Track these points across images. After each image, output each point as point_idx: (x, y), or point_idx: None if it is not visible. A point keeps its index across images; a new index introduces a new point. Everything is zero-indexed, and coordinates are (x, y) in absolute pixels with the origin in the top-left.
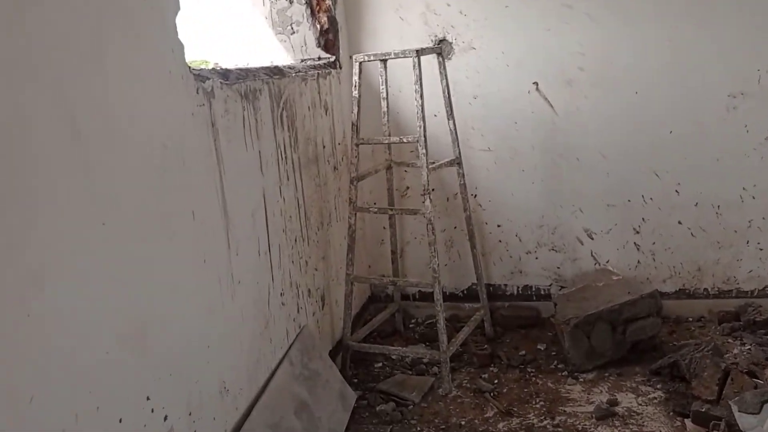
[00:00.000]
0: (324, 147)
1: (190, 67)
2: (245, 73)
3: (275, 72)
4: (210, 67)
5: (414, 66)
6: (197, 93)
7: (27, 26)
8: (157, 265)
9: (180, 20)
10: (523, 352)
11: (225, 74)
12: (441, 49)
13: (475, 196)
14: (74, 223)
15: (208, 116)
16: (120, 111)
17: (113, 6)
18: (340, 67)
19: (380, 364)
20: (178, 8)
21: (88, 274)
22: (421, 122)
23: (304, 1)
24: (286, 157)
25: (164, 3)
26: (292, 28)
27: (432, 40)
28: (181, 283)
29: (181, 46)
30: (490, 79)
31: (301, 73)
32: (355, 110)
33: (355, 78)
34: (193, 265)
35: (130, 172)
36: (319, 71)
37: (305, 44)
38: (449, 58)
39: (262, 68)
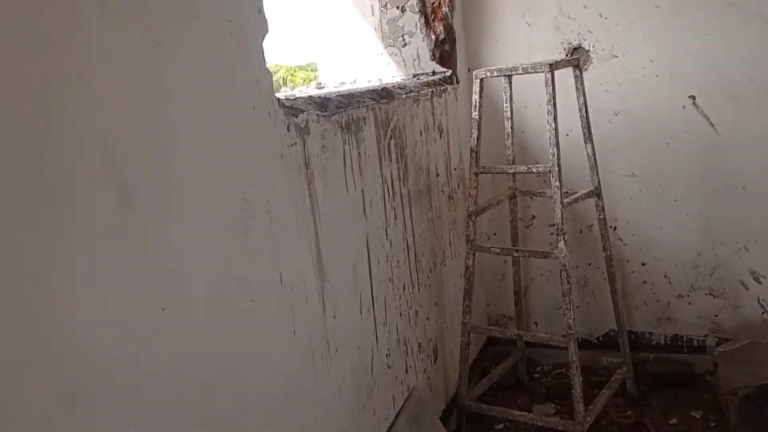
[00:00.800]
0: (437, 175)
1: (279, 99)
2: (347, 100)
3: (383, 95)
4: (311, 83)
5: (546, 83)
6: (288, 131)
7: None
8: (234, 351)
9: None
10: (675, 421)
11: (323, 103)
12: (578, 60)
13: (615, 228)
14: (121, 314)
15: (301, 157)
16: (186, 165)
17: (177, 28)
18: (457, 82)
19: (501, 426)
20: (265, 30)
21: (143, 378)
22: (555, 149)
23: (417, 9)
24: (393, 193)
25: (248, 25)
26: (403, 40)
27: (565, 48)
28: (265, 365)
29: (268, 75)
30: (636, 93)
31: (413, 94)
32: (475, 134)
33: (476, 97)
34: (280, 340)
35: (197, 240)
36: (434, 89)
37: (418, 57)
38: (585, 69)
39: (368, 91)
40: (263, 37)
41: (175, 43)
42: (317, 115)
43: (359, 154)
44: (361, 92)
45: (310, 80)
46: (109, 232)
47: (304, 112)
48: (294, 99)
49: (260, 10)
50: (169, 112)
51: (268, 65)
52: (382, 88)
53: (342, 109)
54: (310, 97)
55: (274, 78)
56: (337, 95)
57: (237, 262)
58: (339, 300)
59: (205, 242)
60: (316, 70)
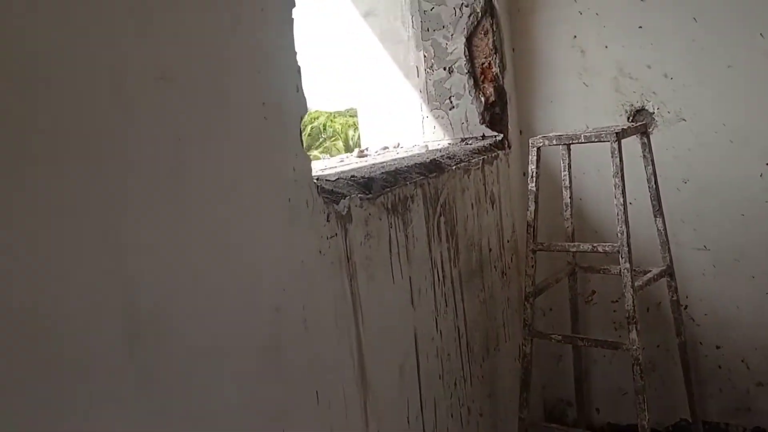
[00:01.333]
0: (490, 250)
1: (318, 185)
2: (393, 177)
3: (431, 167)
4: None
5: (612, 153)
6: (328, 221)
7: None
8: None
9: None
10: None
11: (367, 184)
12: (645, 126)
13: (686, 307)
14: None
15: (342, 249)
16: (206, 284)
17: (201, 119)
18: (509, 147)
19: None
20: (304, 110)
21: None
22: (623, 227)
23: (465, 71)
24: (443, 277)
25: (284, 105)
26: (450, 102)
27: (626, 111)
28: None
29: (305, 160)
30: (706, 159)
31: (463, 164)
32: (532, 207)
33: (532, 167)
34: None
35: (221, 375)
36: (485, 156)
37: (466, 120)
38: (651, 133)
39: (415, 165)
40: (301, 118)
41: (198, 136)
42: (360, 198)
43: (406, 236)
44: (407, 166)
45: (349, 126)
46: (117, 373)
47: (345, 197)
48: (335, 180)
49: (298, 88)
50: (188, 221)
51: (309, 111)
52: (431, 161)
53: (388, 188)
54: (352, 177)
55: (314, 124)
56: (382, 172)
57: (267, 390)
58: (384, 412)
59: (231, 375)
60: (356, 116)
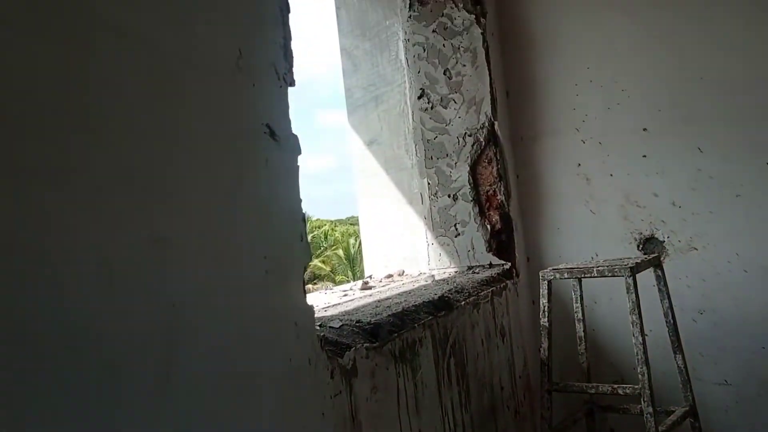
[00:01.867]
0: (502, 388)
1: (321, 337)
2: (400, 320)
3: (440, 305)
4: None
5: (628, 289)
6: (332, 377)
7: None
8: None
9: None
10: None
11: (373, 331)
12: (659, 259)
13: None
14: None
15: (347, 408)
16: None
17: (195, 285)
18: (517, 275)
19: None
20: (307, 258)
21: None
22: (644, 368)
23: (470, 198)
24: (455, 425)
25: (287, 257)
26: (456, 229)
27: (635, 239)
28: None
29: (308, 313)
30: (722, 289)
31: (472, 298)
32: (545, 344)
33: (544, 301)
34: None
35: None
36: (493, 287)
37: (473, 248)
38: (662, 261)
39: (423, 303)
40: (305, 267)
41: (192, 302)
42: (366, 348)
43: (415, 385)
44: (415, 305)
45: (350, 234)
46: None
47: (351, 347)
48: (339, 327)
49: (302, 237)
50: (177, 399)
51: (311, 220)
52: (440, 297)
53: (395, 332)
54: (358, 322)
55: (315, 233)
56: (389, 315)
57: None
58: None
59: None
60: (356, 224)
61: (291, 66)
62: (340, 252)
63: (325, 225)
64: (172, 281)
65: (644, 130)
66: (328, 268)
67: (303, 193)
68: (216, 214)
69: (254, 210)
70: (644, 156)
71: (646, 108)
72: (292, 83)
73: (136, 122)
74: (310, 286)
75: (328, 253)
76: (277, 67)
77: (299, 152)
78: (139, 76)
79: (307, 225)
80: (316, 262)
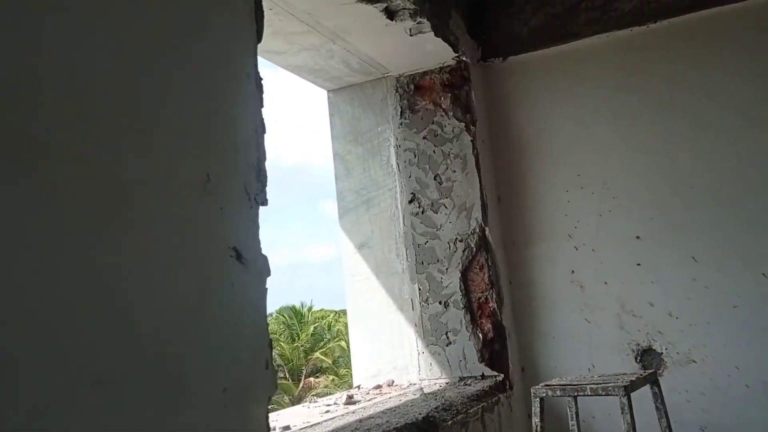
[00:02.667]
0: None
1: None
2: None
3: (424, 428)
4: None
5: (623, 409)
6: None
7: None
8: None
9: None
10: None
11: None
12: (655, 375)
13: None
14: None
15: None
16: None
17: (141, 424)
18: (511, 388)
19: None
20: (273, 389)
21: None
22: None
23: (462, 305)
24: None
25: (250, 388)
26: (447, 338)
27: (633, 350)
28: None
29: None
30: (723, 405)
31: (460, 416)
32: None
33: (536, 420)
34: None
35: None
36: (484, 402)
37: (464, 357)
38: (660, 374)
39: (407, 425)
40: (269, 398)
41: None
42: None
43: None
44: (397, 428)
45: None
46: None
47: None
48: None
49: (267, 365)
50: None
51: (313, 310)
52: (424, 418)
53: None
54: None
55: (319, 324)
56: None
57: None
58: None
59: None
60: None
61: (263, 186)
62: (343, 344)
63: (329, 316)
64: (113, 422)
65: (637, 237)
66: (330, 361)
67: (307, 282)
68: (170, 344)
69: (215, 337)
70: (638, 264)
71: (638, 215)
72: (264, 203)
73: (93, 246)
74: (312, 379)
75: (331, 345)
76: (248, 188)
77: (268, 274)
78: (98, 202)
79: (310, 315)
80: (317, 354)
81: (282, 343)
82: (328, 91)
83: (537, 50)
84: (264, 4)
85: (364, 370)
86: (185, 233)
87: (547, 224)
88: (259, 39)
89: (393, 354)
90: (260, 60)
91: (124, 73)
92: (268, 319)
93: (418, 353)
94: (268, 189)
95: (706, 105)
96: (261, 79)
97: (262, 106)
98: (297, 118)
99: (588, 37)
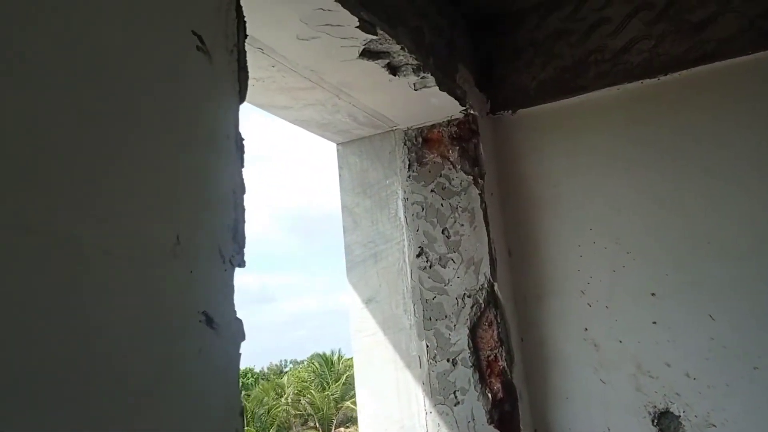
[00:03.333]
0: None
1: None
2: None
3: None
4: None
5: None
6: None
7: None
8: None
9: None
10: None
11: None
12: None
13: None
14: None
15: None
16: None
17: None
18: None
19: None
20: None
21: None
22: None
23: (470, 364)
24: None
25: None
26: (455, 397)
27: (650, 413)
28: None
29: None
30: None
31: None
32: None
33: None
34: None
35: None
36: None
37: (473, 419)
38: None
39: None
40: None
41: None
42: None
43: None
44: None
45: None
46: None
47: None
48: None
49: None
50: None
51: (344, 358)
52: None
53: None
54: None
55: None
56: None
57: None
58: None
59: None
60: None
61: (241, 247)
62: None
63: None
64: None
65: (652, 294)
66: None
67: (334, 331)
68: (126, 415)
69: (177, 406)
70: (654, 322)
71: (652, 271)
72: (241, 264)
73: (45, 314)
74: (342, 429)
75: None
76: (222, 250)
77: (242, 338)
78: (50, 272)
79: (340, 363)
80: (348, 403)
81: (312, 392)
82: (337, 144)
83: (546, 103)
84: (266, 62)
85: (373, 428)
86: (148, 299)
87: (559, 279)
88: (241, 99)
89: (400, 414)
90: (268, 115)
91: (82, 126)
92: (300, 366)
93: (426, 413)
94: (294, 239)
95: (720, 155)
96: (242, 139)
97: (242, 166)
98: (326, 169)
99: (598, 90)
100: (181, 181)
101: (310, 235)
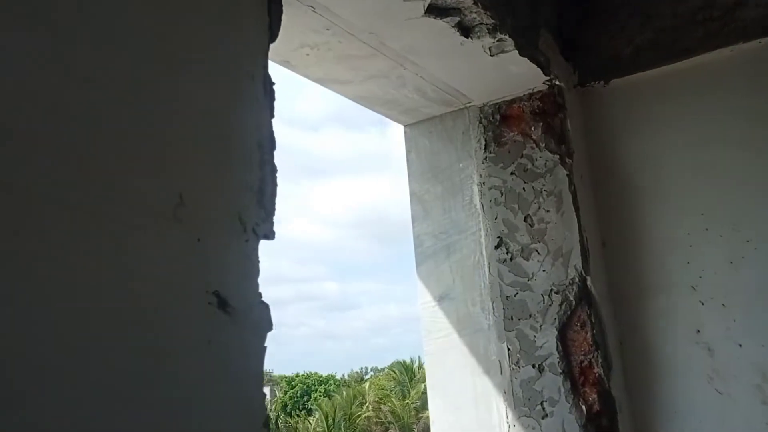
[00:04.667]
0: None
1: None
2: None
3: None
4: None
5: None
6: None
7: None
8: None
9: None
10: None
11: None
12: None
13: None
14: None
15: None
16: None
17: None
18: None
19: None
20: None
21: None
22: None
23: (560, 370)
24: None
25: None
26: (543, 409)
27: None
28: None
29: None
30: None
31: None
32: None
33: None
34: None
35: None
36: None
37: None
38: None
39: None
40: None
41: None
42: None
43: None
44: None
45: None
46: None
47: None
48: None
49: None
50: None
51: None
52: None
53: None
54: None
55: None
56: None
57: None
58: None
59: None
60: None
61: (269, 215)
62: None
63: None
64: None
65: None
66: None
67: (414, 338)
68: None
69: (175, 421)
70: None
71: None
72: (269, 235)
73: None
74: None
75: None
76: (243, 216)
77: (268, 328)
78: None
79: (420, 371)
80: (428, 413)
81: (393, 399)
82: (405, 126)
83: (644, 71)
84: (319, 24)
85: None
86: (137, 273)
87: (664, 274)
88: (272, 36)
89: (479, 426)
90: (332, 94)
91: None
92: (380, 374)
93: (509, 426)
94: (374, 245)
95: None
96: (272, 83)
97: (271, 116)
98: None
99: (707, 53)
100: (185, 126)
101: (388, 241)
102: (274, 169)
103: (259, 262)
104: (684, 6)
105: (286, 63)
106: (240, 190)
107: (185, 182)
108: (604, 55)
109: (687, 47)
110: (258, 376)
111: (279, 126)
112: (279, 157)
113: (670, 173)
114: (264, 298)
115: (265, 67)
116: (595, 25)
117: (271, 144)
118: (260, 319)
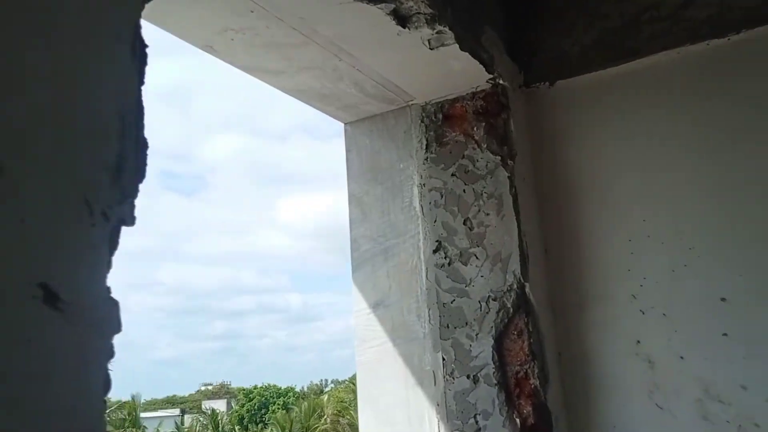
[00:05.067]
0: None
1: None
2: None
3: None
4: None
5: None
6: None
7: None
8: None
9: None
10: None
11: None
12: None
13: None
14: None
15: None
16: None
17: None
18: None
19: None
20: None
21: None
22: None
23: (495, 381)
24: None
25: None
26: (476, 422)
27: None
28: None
29: None
30: None
31: None
32: None
33: None
34: None
35: None
36: None
37: None
38: None
39: None
40: None
41: None
42: None
43: None
44: None
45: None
46: None
47: None
48: None
49: None
50: None
51: None
52: None
53: None
54: None
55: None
56: None
57: None
58: None
59: None
60: None
61: (126, 196)
62: None
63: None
64: None
65: (722, 300)
66: None
67: None
68: None
69: None
70: (725, 334)
71: (722, 272)
72: (127, 221)
73: None
74: None
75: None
76: (89, 195)
77: (116, 329)
78: None
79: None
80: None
81: (352, 412)
82: (345, 123)
83: (590, 72)
84: (242, 5)
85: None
86: None
87: (605, 282)
88: None
89: None
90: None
91: None
92: (340, 386)
93: None
94: (336, 258)
95: None
96: (145, 46)
97: (141, 83)
98: None
99: (653, 54)
100: (12, 82)
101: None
102: (140, 145)
103: (112, 251)
104: (631, 5)
105: (209, 48)
106: (89, 165)
107: (8, 150)
108: (551, 56)
109: (633, 48)
110: (98, 385)
111: (246, 137)
112: (243, 167)
113: (612, 178)
114: (114, 295)
115: (138, 26)
116: (542, 24)
117: (138, 115)
118: (105, 319)
